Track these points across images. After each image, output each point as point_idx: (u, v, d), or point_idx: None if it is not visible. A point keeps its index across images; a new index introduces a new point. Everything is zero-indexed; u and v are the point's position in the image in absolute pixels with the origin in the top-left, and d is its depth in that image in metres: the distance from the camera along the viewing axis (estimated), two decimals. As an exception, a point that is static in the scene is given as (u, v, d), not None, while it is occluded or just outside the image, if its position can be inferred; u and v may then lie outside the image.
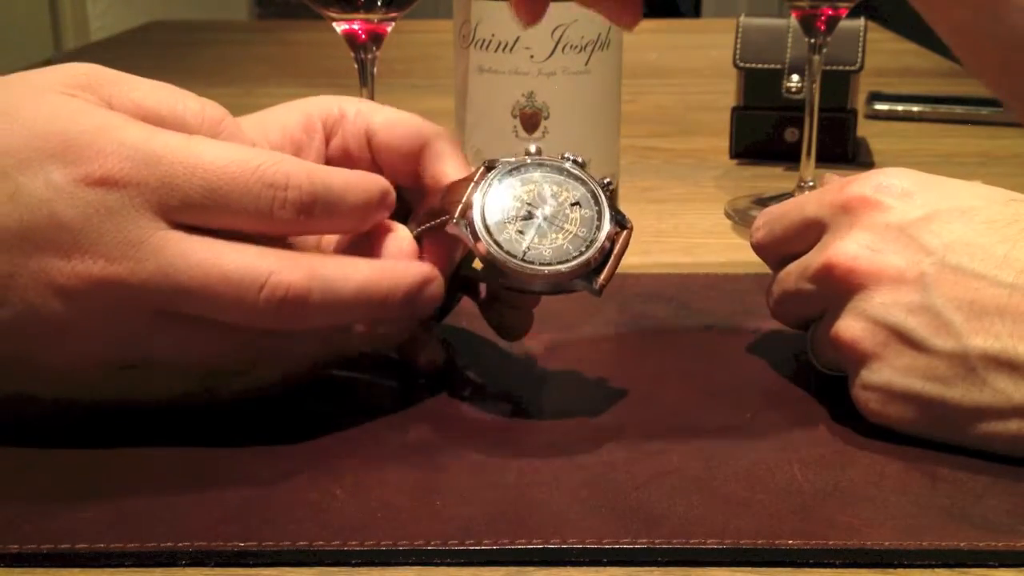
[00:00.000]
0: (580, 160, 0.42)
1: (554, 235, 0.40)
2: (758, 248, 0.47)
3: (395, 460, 0.39)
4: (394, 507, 0.36)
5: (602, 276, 0.41)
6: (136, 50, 1.48)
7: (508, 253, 0.40)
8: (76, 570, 0.34)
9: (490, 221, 0.40)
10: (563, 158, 0.42)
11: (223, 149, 0.38)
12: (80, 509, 0.36)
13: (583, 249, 0.40)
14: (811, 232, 0.44)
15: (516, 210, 0.41)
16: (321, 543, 0.34)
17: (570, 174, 0.42)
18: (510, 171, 0.41)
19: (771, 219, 0.46)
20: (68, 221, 0.36)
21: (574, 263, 0.40)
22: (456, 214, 0.40)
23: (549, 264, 0.40)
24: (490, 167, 0.42)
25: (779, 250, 0.46)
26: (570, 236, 0.40)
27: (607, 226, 0.41)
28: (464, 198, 0.41)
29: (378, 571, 0.34)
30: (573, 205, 0.41)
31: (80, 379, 0.39)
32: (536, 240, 0.40)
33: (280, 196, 0.38)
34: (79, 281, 0.37)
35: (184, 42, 1.55)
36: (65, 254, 0.37)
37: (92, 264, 0.37)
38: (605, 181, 0.42)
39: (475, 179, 0.41)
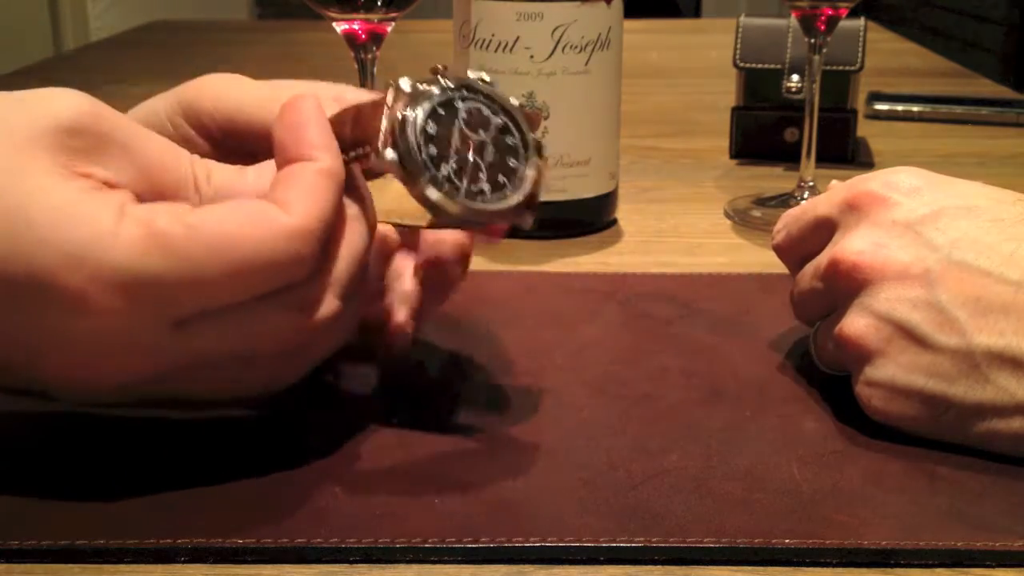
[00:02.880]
0: (489, 79, 0.38)
1: (488, 169, 0.37)
2: (779, 250, 0.47)
3: (394, 458, 0.39)
4: (393, 505, 0.36)
5: (533, 210, 0.38)
6: (136, 50, 1.47)
7: (449, 193, 0.36)
8: (76, 566, 0.34)
9: (425, 155, 0.36)
10: (469, 77, 0.38)
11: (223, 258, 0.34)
12: (80, 506, 0.36)
13: (518, 183, 0.37)
14: (824, 231, 0.44)
15: (446, 141, 0.36)
16: (320, 541, 0.34)
17: (487, 97, 0.38)
18: (427, 96, 0.37)
19: (789, 221, 0.47)
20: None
21: (514, 200, 0.37)
22: (380, 145, 0.36)
23: (489, 201, 0.37)
24: (399, 88, 0.37)
25: (797, 251, 0.46)
26: (503, 168, 0.37)
27: (533, 155, 0.38)
28: (385, 126, 0.36)
29: (377, 569, 0.34)
30: (501, 132, 0.38)
31: (94, 398, 0.37)
32: (473, 174, 0.37)
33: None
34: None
35: (184, 42, 1.55)
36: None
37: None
38: (519, 100, 0.39)
39: (389, 104, 0.36)
